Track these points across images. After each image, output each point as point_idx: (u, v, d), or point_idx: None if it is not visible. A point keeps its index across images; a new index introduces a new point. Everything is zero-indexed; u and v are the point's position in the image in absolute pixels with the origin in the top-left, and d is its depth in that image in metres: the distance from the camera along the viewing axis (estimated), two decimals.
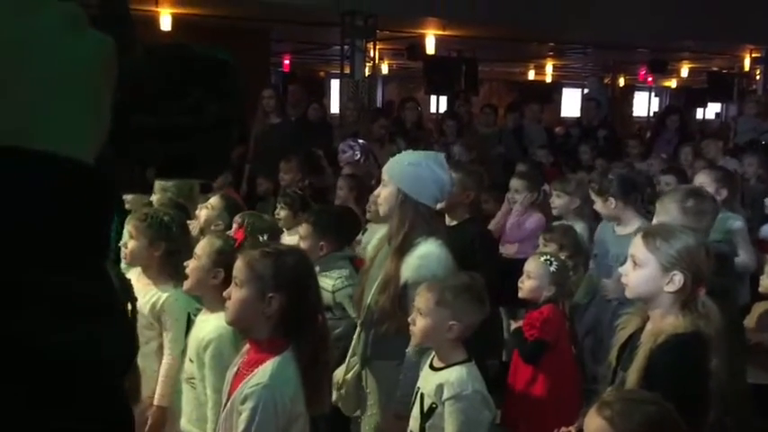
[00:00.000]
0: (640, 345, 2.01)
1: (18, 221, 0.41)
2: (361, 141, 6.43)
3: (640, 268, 2.07)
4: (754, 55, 11.58)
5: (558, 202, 4.15)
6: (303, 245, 3.20)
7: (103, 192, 0.45)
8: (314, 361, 2.01)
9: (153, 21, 8.05)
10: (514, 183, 4.55)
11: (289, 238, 3.96)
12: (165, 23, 8.03)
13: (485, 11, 8.41)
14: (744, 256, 3.60)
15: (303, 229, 3.27)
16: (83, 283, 0.44)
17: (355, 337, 2.73)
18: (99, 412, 0.45)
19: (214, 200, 3.91)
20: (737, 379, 2.50)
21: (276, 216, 4.50)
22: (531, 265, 2.95)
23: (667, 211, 2.90)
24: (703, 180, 3.76)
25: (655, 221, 2.99)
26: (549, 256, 2.96)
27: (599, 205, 3.73)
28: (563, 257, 3.10)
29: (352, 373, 2.68)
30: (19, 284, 0.40)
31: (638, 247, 2.09)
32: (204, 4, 7.75)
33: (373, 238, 2.94)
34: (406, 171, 2.63)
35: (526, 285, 2.94)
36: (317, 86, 14.10)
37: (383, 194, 2.67)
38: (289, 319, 2.00)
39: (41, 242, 0.41)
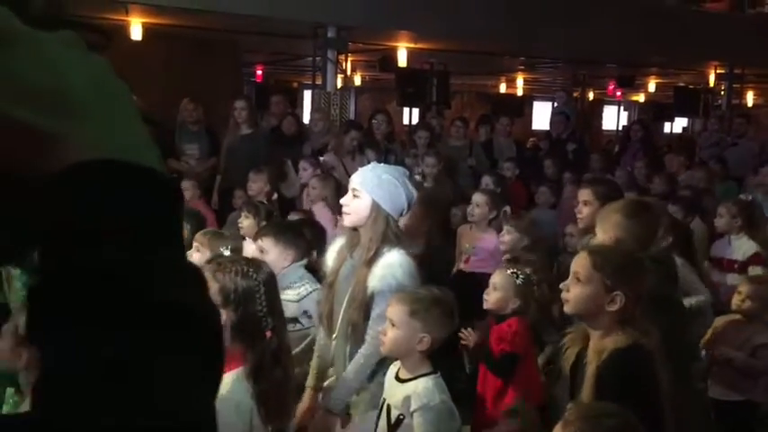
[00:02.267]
0: (587, 364, 2.05)
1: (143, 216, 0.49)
2: (322, 158, 6.41)
3: (583, 285, 2.09)
4: (718, 71, 11.84)
5: (507, 237, 4.13)
6: (267, 257, 3.20)
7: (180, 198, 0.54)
8: (267, 377, 2.02)
9: (123, 30, 8.01)
10: (476, 197, 4.61)
11: (252, 247, 3.97)
12: (136, 33, 7.98)
13: (456, 24, 8.49)
14: (695, 299, 3.56)
15: (264, 242, 3.27)
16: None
17: (332, 351, 2.74)
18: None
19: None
20: (687, 389, 2.54)
21: (239, 225, 4.51)
22: (497, 278, 2.99)
23: (610, 222, 2.89)
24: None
25: (597, 231, 2.99)
26: (515, 270, 3.00)
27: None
28: (528, 271, 3.14)
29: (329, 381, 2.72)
30: (152, 263, 0.48)
31: (582, 265, 2.11)
32: (175, 15, 7.72)
33: (330, 251, 2.94)
34: (383, 185, 2.66)
35: (492, 297, 2.97)
36: (291, 97, 14.08)
37: (354, 205, 2.69)
38: (238, 335, 2.00)
39: (161, 231, 0.50)
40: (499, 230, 4.34)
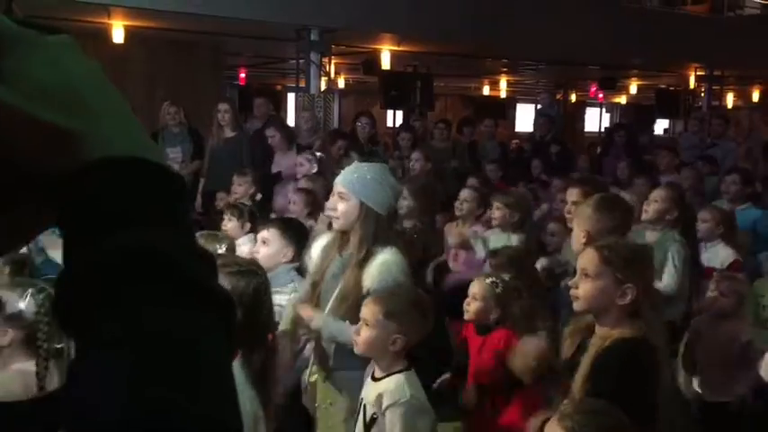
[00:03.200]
0: (587, 350, 2.05)
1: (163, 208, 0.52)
2: (318, 154, 6.45)
3: (593, 281, 2.10)
4: (698, 73, 11.97)
5: (497, 213, 4.20)
6: (268, 249, 3.20)
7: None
8: (263, 378, 2.02)
9: (105, 33, 7.95)
10: (464, 193, 4.64)
11: (244, 247, 3.96)
12: (118, 36, 7.93)
13: (439, 27, 8.53)
14: (666, 279, 3.57)
15: (270, 233, 3.26)
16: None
17: (313, 348, 2.75)
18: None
19: None
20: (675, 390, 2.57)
21: (223, 227, 4.50)
22: (476, 288, 2.97)
23: (582, 216, 2.92)
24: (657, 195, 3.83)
25: (573, 226, 3.02)
26: (494, 278, 2.99)
27: None
28: (508, 278, 3.12)
29: (314, 377, 2.74)
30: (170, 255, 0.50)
31: (590, 260, 2.13)
32: (157, 18, 7.68)
33: (315, 247, 2.94)
34: (369, 185, 2.66)
35: (472, 308, 2.95)
36: (275, 100, 14.05)
37: (342, 208, 2.69)
38: (240, 337, 2.00)
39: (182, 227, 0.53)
40: (488, 226, 4.38)
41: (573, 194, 3.56)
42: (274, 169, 6.63)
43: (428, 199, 4.52)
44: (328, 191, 5.57)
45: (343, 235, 2.73)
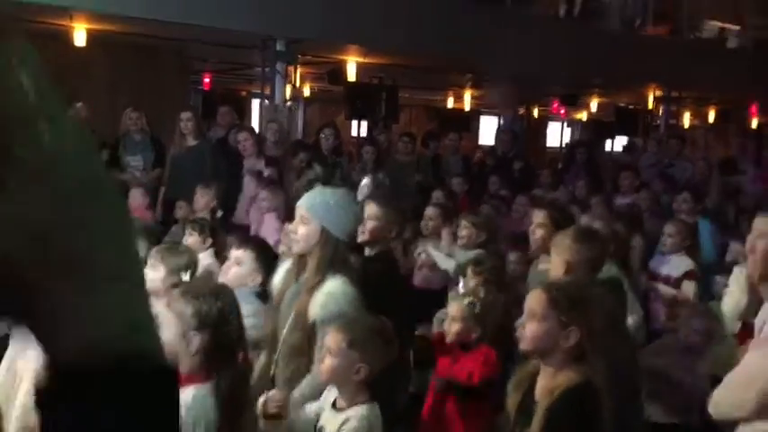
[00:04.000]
0: (537, 403, 2.09)
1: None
2: (267, 173, 6.35)
3: (539, 322, 2.13)
4: (657, 93, 12.26)
5: (465, 232, 4.26)
6: (239, 270, 3.18)
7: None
8: (233, 397, 2.02)
9: (66, 36, 7.81)
10: (429, 211, 4.69)
11: (204, 262, 3.93)
12: (80, 39, 7.80)
13: (404, 40, 8.58)
14: (631, 318, 3.62)
15: (244, 254, 3.23)
16: None
17: (272, 372, 2.73)
18: None
19: None
20: (633, 418, 2.62)
21: (184, 242, 4.46)
22: (454, 309, 3.01)
23: (562, 246, 3.02)
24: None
25: (552, 254, 3.11)
26: (470, 298, 3.03)
27: None
28: (482, 294, 3.17)
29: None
30: None
31: (537, 302, 2.16)
32: (120, 21, 7.57)
33: (278, 272, 2.95)
34: (331, 210, 2.66)
35: (453, 329, 2.99)
36: (239, 107, 13.97)
37: (302, 232, 2.69)
38: (210, 357, 2.01)
39: None
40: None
41: (539, 217, 3.63)
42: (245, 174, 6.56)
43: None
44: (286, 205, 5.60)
45: (302, 258, 2.73)
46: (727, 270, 4.13)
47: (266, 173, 6.46)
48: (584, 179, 6.85)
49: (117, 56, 8.78)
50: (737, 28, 12.66)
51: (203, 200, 5.30)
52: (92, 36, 7.94)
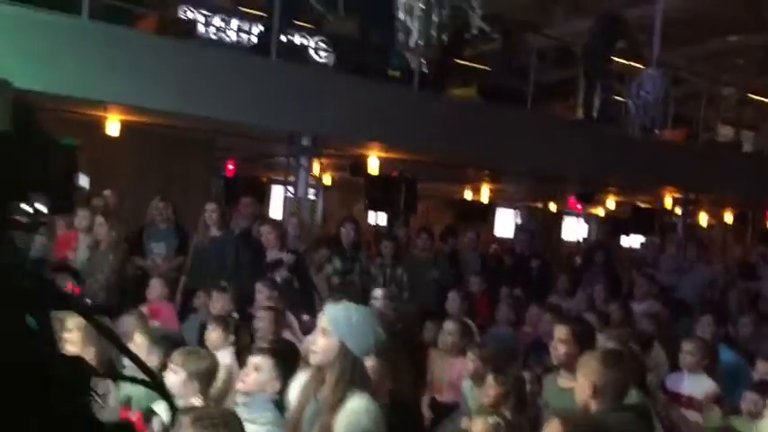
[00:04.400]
0: None
1: None
2: (278, 280, 6.34)
3: None
4: (674, 196, 12.38)
5: (471, 366, 4.23)
6: (258, 376, 3.20)
7: None
8: None
9: (99, 126, 8.10)
10: (448, 326, 4.71)
11: (224, 360, 3.96)
12: (113, 129, 8.07)
13: (424, 139, 8.82)
14: None
15: (263, 361, 3.24)
16: None
17: None
18: None
19: (137, 337, 3.89)
20: None
21: (206, 337, 4.49)
22: (479, 427, 3.02)
23: (589, 368, 3.03)
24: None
25: (578, 376, 3.12)
26: (495, 418, 3.03)
27: None
28: (507, 413, 3.17)
29: None
30: None
31: None
32: (153, 114, 7.86)
33: (293, 387, 2.94)
34: (353, 327, 2.70)
35: None
36: (260, 193, 14.23)
37: (322, 344, 2.72)
38: None
39: None
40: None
41: (561, 332, 3.64)
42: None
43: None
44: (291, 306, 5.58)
45: (320, 371, 2.75)
46: (760, 390, 4.01)
47: (285, 258, 6.51)
48: (602, 283, 6.86)
49: (146, 145, 9.07)
50: (753, 133, 12.88)
51: (219, 304, 5.32)
52: (124, 126, 8.23)
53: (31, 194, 0.72)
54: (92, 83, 6.90)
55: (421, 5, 3.39)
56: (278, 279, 6.21)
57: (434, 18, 3.45)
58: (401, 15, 3.62)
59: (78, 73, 6.80)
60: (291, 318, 5.36)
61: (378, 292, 5.59)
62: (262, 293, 5.52)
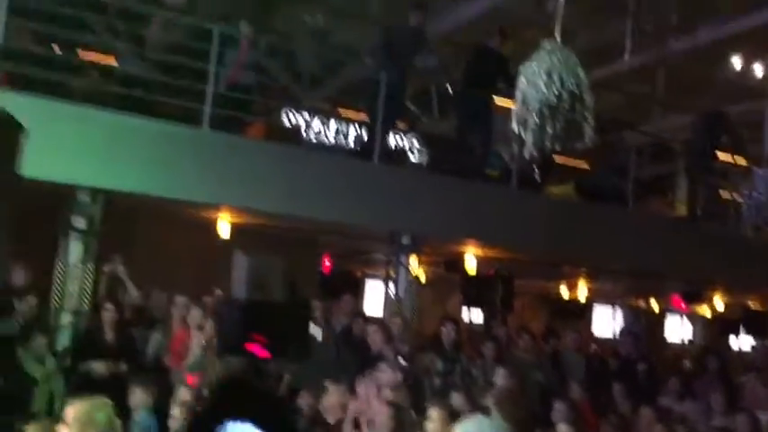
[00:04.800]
0: None
1: None
2: (404, 363, 6.49)
3: None
4: None
5: None
6: None
7: None
8: None
9: (211, 227, 8.53)
10: (562, 428, 4.59)
11: None
12: (224, 231, 8.47)
13: (521, 238, 8.81)
14: None
15: None
16: None
17: None
18: None
19: None
20: None
21: None
22: None
23: None
24: None
25: None
26: None
27: None
28: None
29: None
30: None
31: None
32: (261, 216, 8.24)
33: None
34: None
35: None
36: (355, 288, 14.44)
37: None
38: None
39: None
40: None
41: None
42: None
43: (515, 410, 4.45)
44: (411, 401, 5.58)
45: None
46: None
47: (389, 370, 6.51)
48: (718, 391, 6.50)
49: (254, 245, 9.43)
50: None
51: (332, 397, 5.38)
52: (234, 227, 8.63)
53: None
54: (207, 187, 7.36)
55: (536, 119, 3.51)
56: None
57: (549, 130, 3.55)
58: (515, 127, 3.74)
59: (196, 179, 7.28)
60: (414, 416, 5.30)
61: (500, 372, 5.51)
62: (385, 373, 5.55)
